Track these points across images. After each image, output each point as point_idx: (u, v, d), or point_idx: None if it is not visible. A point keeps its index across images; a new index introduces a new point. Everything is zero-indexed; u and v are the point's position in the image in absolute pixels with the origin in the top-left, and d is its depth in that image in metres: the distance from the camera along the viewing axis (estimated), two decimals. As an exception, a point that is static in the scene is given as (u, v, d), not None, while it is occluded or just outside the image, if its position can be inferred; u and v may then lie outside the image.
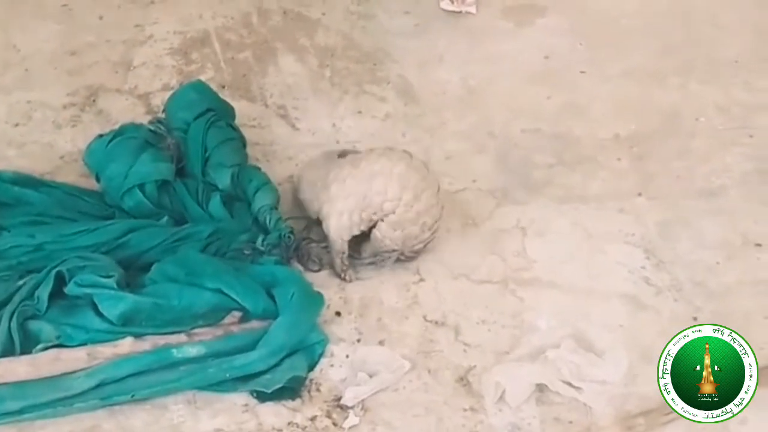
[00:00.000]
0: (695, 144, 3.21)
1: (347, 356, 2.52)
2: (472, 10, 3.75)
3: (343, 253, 2.70)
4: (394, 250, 2.66)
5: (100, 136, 2.94)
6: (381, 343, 2.55)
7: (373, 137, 3.21)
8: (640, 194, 3.02)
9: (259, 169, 2.94)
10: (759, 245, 2.84)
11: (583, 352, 2.46)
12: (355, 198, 2.65)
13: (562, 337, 2.51)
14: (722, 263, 2.79)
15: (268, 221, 2.76)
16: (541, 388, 2.42)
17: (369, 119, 3.29)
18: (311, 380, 2.46)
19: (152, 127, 2.97)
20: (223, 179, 2.87)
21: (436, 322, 2.61)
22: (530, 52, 3.61)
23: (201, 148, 2.92)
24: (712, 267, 2.78)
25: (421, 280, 2.70)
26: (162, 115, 3.07)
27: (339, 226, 2.67)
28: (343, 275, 2.70)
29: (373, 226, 2.66)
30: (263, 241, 2.71)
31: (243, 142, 3.03)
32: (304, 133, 3.22)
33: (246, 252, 2.70)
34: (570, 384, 2.41)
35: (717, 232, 2.89)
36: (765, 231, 2.88)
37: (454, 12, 3.76)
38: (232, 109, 3.10)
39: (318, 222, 2.76)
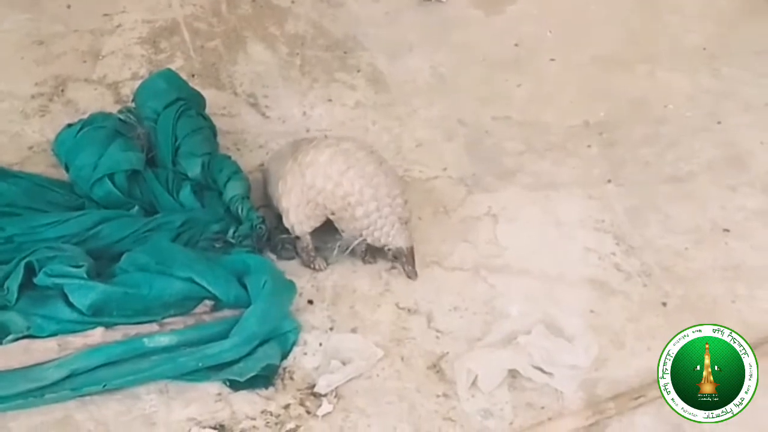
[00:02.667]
0: (664, 131, 3.23)
1: (320, 344, 2.52)
2: (442, -2, 3.77)
3: (307, 245, 2.69)
4: (361, 236, 2.66)
5: (69, 125, 2.92)
6: (354, 330, 2.55)
7: (343, 125, 3.21)
8: (609, 181, 3.04)
9: (230, 158, 2.93)
10: (727, 230, 2.87)
11: (554, 338, 2.48)
12: (297, 191, 2.65)
13: (533, 323, 2.51)
14: (691, 248, 2.82)
15: (240, 211, 2.75)
16: (512, 373, 2.44)
17: (339, 107, 3.29)
18: (284, 368, 2.46)
19: (122, 117, 2.95)
20: (194, 168, 2.85)
21: (409, 310, 2.62)
22: (500, 40, 3.62)
23: (171, 138, 2.90)
24: (681, 252, 2.81)
25: (393, 267, 2.70)
26: (132, 105, 3.05)
27: (297, 220, 2.68)
28: (312, 266, 2.70)
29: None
30: (234, 232, 2.70)
31: (213, 132, 3.02)
32: (274, 122, 3.21)
33: (217, 245, 2.69)
34: (541, 369, 2.43)
35: (686, 217, 2.91)
36: (733, 216, 2.91)
37: (424, 0, 3.76)
38: (202, 98, 3.08)
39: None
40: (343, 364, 2.45)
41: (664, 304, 2.66)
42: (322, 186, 2.61)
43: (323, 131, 3.17)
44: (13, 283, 2.48)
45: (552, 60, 3.53)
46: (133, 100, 3.06)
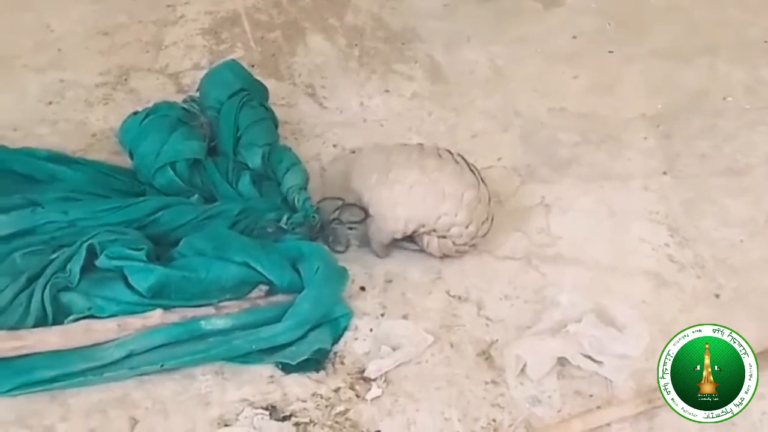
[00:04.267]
0: (721, 123, 3.21)
1: (371, 330, 2.55)
2: (501, -10, 3.78)
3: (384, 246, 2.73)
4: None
5: (135, 113, 2.99)
6: (404, 317, 2.58)
7: (400, 116, 3.24)
8: (665, 173, 3.03)
9: (290, 149, 2.97)
10: (783, 223, 2.85)
11: (604, 327, 2.48)
12: (419, 210, 2.63)
13: (583, 312, 2.52)
14: (746, 241, 2.80)
15: (296, 201, 2.79)
16: (562, 362, 2.45)
17: (396, 98, 3.32)
18: (335, 353, 2.49)
19: (185, 106, 3.01)
20: (254, 158, 2.90)
21: (459, 297, 2.64)
22: (558, 32, 3.63)
23: (233, 128, 2.95)
24: (736, 244, 2.79)
25: (445, 255, 2.72)
26: (196, 94, 3.10)
27: (391, 230, 2.67)
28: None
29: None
30: (288, 219, 2.74)
31: (275, 123, 3.06)
32: (331, 112, 3.26)
33: (270, 230, 2.72)
34: (591, 358, 2.43)
35: (741, 210, 2.90)
36: (789, 209, 2.89)
37: (482, -7, 3.78)
38: (265, 89, 3.13)
39: (353, 205, 2.76)
40: (393, 349, 2.48)
41: (717, 296, 2.65)
42: (464, 222, 2.64)
43: (380, 121, 3.20)
44: (75, 265, 2.54)
45: (610, 52, 3.53)
46: (197, 90, 3.11)
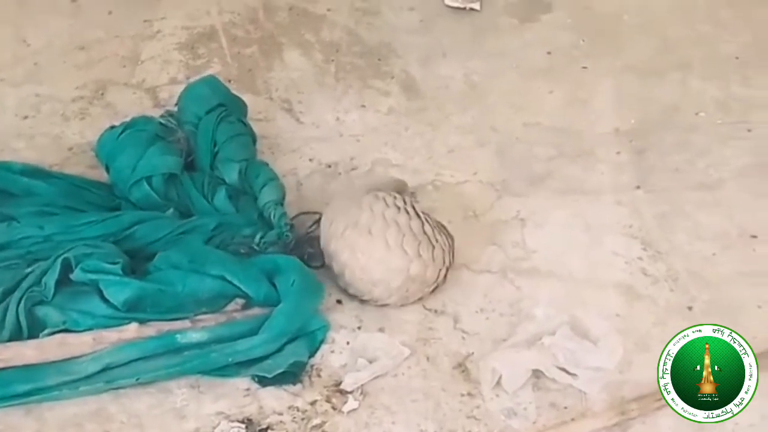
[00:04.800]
0: (694, 138, 3.24)
1: (348, 342, 2.56)
2: (476, 6, 3.80)
3: None
4: None
5: (112, 127, 2.98)
6: (381, 330, 2.59)
7: (376, 131, 3.26)
8: (638, 187, 3.05)
9: (267, 164, 2.98)
10: (755, 237, 2.88)
11: (579, 339, 2.50)
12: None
13: (558, 325, 2.54)
14: (718, 254, 2.83)
15: (272, 216, 2.79)
16: (537, 374, 2.46)
17: (372, 113, 3.33)
18: (312, 366, 2.50)
19: (163, 121, 3.01)
20: (231, 174, 2.91)
21: (436, 311, 2.65)
22: (533, 48, 3.65)
23: (210, 143, 2.96)
24: (708, 258, 2.82)
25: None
26: (174, 109, 3.11)
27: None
28: None
29: None
30: (261, 238, 2.73)
31: (253, 138, 3.07)
32: (308, 127, 3.27)
33: (242, 250, 2.72)
34: (565, 370, 2.45)
35: (714, 223, 2.92)
36: (761, 223, 2.91)
37: (458, 8, 3.80)
38: (244, 104, 3.14)
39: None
40: (370, 362, 2.49)
41: (690, 308, 2.67)
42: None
43: (356, 136, 3.22)
44: (50, 279, 2.54)
45: (584, 68, 3.55)
46: (176, 105, 3.12)
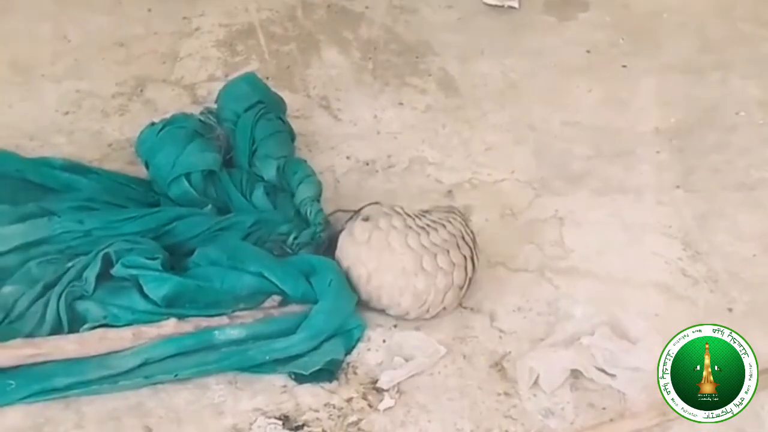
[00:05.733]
0: (735, 138, 3.22)
1: (384, 341, 2.56)
2: (515, 4, 3.78)
3: None
4: None
5: (152, 124, 2.99)
6: (417, 328, 2.58)
7: (413, 129, 3.26)
8: (678, 187, 3.03)
9: (305, 161, 2.98)
10: (795, 238, 2.85)
11: (618, 340, 2.48)
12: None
13: (596, 325, 2.52)
14: (758, 255, 2.80)
15: (308, 213, 2.79)
16: (575, 374, 2.45)
17: (409, 111, 3.33)
18: (348, 363, 2.50)
19: (202, 118, 3.02)
20: (269, 171, 2.91)
21: (472, 309, 2.64)
22: (572, 46, 3.63)
23: (249, 140, 2.97)
24: (749, 259, 2.79)
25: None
26: (214, 106, 3.12)
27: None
28: None
29: None
30: (294, 239, 2.73)
31: (291, 136, 3.07)
32: (345, 124, 3.27)
33: (275, 252, 2.71)
34: (604, 371, 2.43)
35: (754, 224, 2.90)
36: (802, 224, 2.89)
37: (496, 6, 3.79)
38: (283, 102, 3.14)
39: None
40: (406, 360, 2.49)
41: (730, 309, 2.65)
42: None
43: (393, 134, 3.22)
44: (91, 274, 2.56)
45: (624, 66, 3.53)
46: (215, 102, 3.13)
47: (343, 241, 2.65)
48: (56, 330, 2.50)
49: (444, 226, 2.61)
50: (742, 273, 2.75)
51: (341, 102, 3.35)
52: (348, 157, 3.13)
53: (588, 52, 3.60)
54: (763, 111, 3.31)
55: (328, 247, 2.73)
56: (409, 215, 2.63)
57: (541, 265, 2.77)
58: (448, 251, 2.57)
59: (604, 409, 2.40)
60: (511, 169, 3.09)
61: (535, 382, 2.43)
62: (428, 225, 2.61)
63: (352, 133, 3.22)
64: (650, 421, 2.35)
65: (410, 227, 2.59)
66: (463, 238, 2.61)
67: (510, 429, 2.37)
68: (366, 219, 2.64)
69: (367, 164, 3.11)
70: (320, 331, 2.52)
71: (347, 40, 3.63)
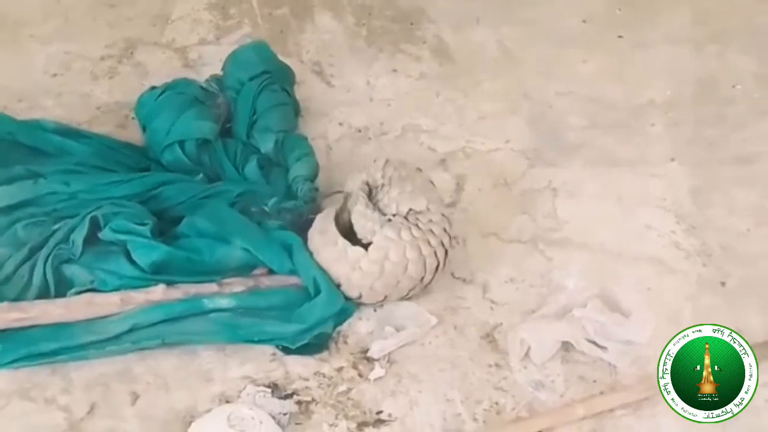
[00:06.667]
0: (730, 111, 3.19)
1: (375, 310, 2.53)
2: (511, -28, 3.74)
3: None
4: None
5: (152, 88, 2.94)
6: (408, 298, 2.56)
7: (407, 96, 3.22)
8: (673, 159, 3.01)
9: (306, 139, 2.92)
10: (791, 213, 2.84)
11: (610, 312, 2.46)
12: None
13: (589, 297, 2.50)
14: (753, 230, 2.79)
15: (299, 191, 2.73)
16: (566, 346, 2.43)
17: (404, 78, 3.29)
18: (339, 332, 2.48)
19: (204, 84, 2.96)
20: (267, 143, 2.85)
21: (464, 280, 2.63)
22: (568, 15, 3.59)
23: (249, 111, 2.91)
24: (743, 233, 2.78)
25: (451, 237, 2.70)
26: (221, 74, 3.05)
27: None
28: None
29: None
30: (276, 203, 2.68)
31: (295, 109, 3.02)
32: (338, 90, 3.23)
33: (253, 209, 2.67)
34: (595, 343, 2.42)
35: (749, 199, 2.88)
36: (798, 199, 2.87)
37: (493, -26, 3.75)
38: (291, 74, 3.08)
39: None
40: (397, 330, 2.47)
41: (723, 284, 2.63)
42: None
43: (387, 101, 3.19)
44: (78, 237, 2.53)
45: (620, 37, 3.49)
46: (222, 69, 3.07)
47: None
48: (43, 294, 2.47)
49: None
50: (736, 247, 2.73)
51: (334, 68, 3.31)
52: (341, 124, 3.09)
53: (584, 22, 3.57)
54: (759, 84, 3.29)
55: (305, 223, 2.65)
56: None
57: (534, 236, 2.75)
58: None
59: (594, 381, 2.39)
60: (505, 139, 3.06)
61: (526, 354, 2.42)
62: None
63: (345, 100, 3.19)
64: (641, 394, 2.34)
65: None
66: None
67: (500, 401, 2.35)
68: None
69: (360, 131, 3.08)
70: (315, 324, 2.46)
71: (341, 5, 3.58)
